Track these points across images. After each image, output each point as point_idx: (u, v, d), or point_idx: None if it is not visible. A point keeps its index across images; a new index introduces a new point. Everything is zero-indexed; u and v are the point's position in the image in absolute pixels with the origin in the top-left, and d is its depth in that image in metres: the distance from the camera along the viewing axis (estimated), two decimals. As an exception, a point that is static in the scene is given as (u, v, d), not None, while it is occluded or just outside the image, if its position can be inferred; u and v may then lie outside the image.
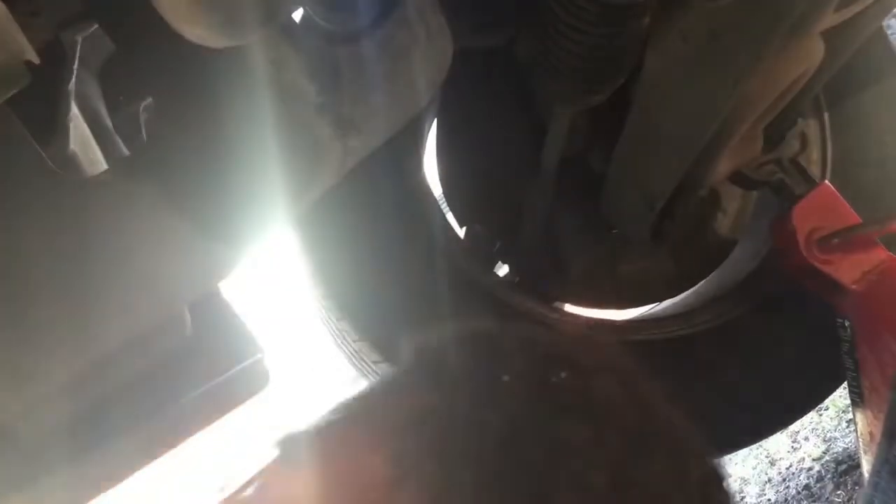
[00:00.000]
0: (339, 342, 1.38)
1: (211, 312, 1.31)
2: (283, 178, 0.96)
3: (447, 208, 1.57)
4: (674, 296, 1.66)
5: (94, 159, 1.17)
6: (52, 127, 1.03)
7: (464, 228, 1.58)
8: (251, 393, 1.31)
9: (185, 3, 0.64)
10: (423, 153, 1.56)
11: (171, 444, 1.22)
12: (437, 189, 1.52)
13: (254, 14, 0.71)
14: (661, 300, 1.68)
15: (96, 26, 1.01)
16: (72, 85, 1.05)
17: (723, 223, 1.60)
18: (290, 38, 0.89)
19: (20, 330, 0.88)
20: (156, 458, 1.21)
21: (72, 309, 0.89)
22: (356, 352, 1.32)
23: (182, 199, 0.92)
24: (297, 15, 0.93)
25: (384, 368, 1.30)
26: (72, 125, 1.11)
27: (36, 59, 0.69)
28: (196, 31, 0.67)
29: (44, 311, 0.88)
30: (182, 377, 1.25)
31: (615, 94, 1.19)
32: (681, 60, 1.03)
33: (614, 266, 1.60)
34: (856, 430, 1.32)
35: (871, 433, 1.28)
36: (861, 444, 1.31)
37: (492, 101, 1.52)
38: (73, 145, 1.10)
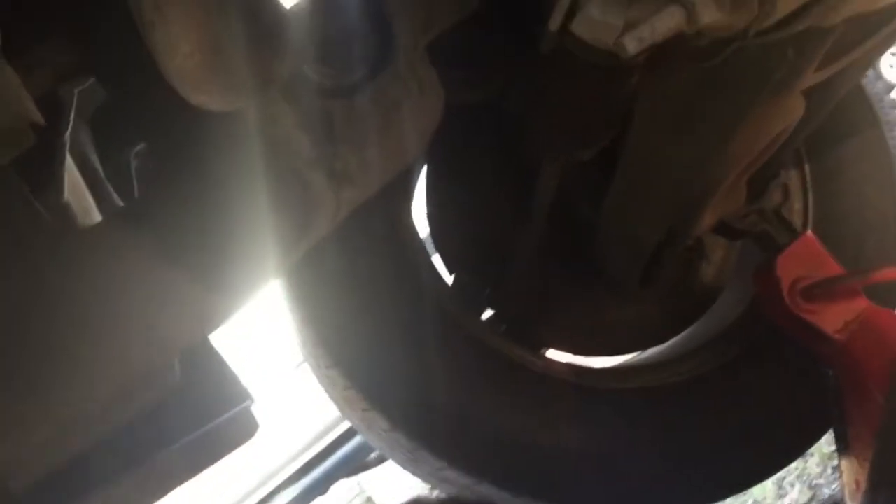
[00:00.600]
0: (329, 389, 1.38)
1: (199, 360, 1.30)
2: (277, 229, 0.97)
3: (435, 254, 1.58)
4: (660, 343, 1.67)
5: (87, 208, 1.18)
6: (47, 177, 1.04)
7: (452, 274, 1.59)
8: (239, 441, 1.30)
9: (191, 71, 0.66)
10: (412, 200, 1.58)
11: (159, 494, 1.21)
12: (425, 234, 1.54)
13: (254, 80, 0.73)
14: (647, 347, 1.70)
15: (93, 79, 1.02)
16: (66, 136, 1.06)
17: (707, 272, 1.62)
18: (283, 92, 0.91)
19: (11, 380, 0.88)
20: (142, 507, 1.20)
21: (63, 359, 0.89)
22: (345, 399, 1.32)
23: (176, 249, 0.93)
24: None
25: (372, 416, 1.30)
26: (66, 175, 1.11)
27: (41, 121, 0.70)
28: (201, 97, 0.69)
29: (35, 361, 0.88)
30: (169, 425, 1.24)
31: (605, 146, 1.22)
32: (668, 117, 1.06)
33: (601, 313, 1.62)
34: (841, 478, 1.32)
35: (856, 481, 1.29)
36: (847, 491, 1.31)
37: (481, 150, 1.54)
38: (67, 195, 1.11)
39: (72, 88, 1.02)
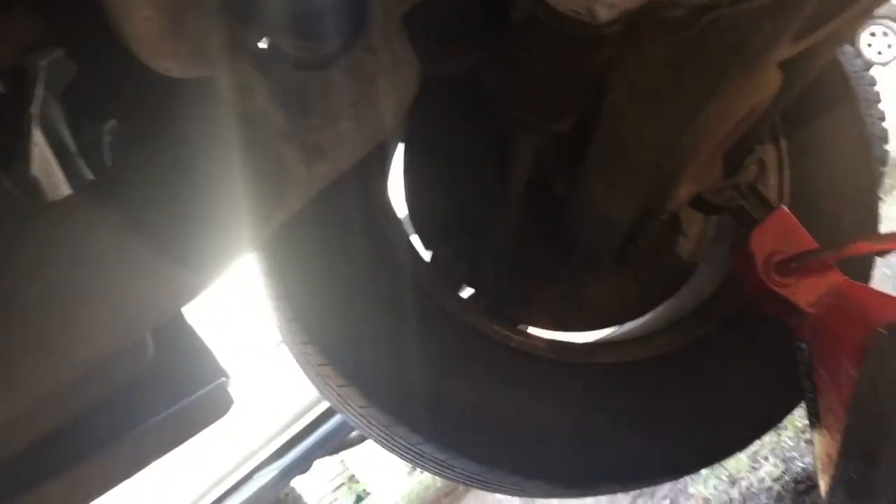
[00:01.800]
0: (305, 365, 1.37)
1: (173, 336, 1.30)
2: (249, 203, 0.96)
3: (413, 231, 1.57)
4: (636, 318, 1.68)
5: (56, 183, 1.16)
6: (13, 151, 1.02)
7: (429, 252, 1.59)
8: (214, 418, 1.30)
9: (151, 36, 0.64)
10: (389, 176, 1.57)
11: (133, 470, 1.21)
12: (402, 212, 1.53)
13: (220, 45, 0.71)
14: (623, 323, 1.71)
15: (60, 50, 1.00)
16: (34, 109, 1.05)
17: (684, 247, 1.63)
18: (256, 64, 0.90)
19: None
20: (117, 483, 1.20)
21: (33, 334, 0.88)
22: (321, 375, 1.32)
23: (147, 224, 0.92)
24: (264, 41, 0.94)
25: (348, 392, 1.30)
26: (34, 149, 1.09)
27: (2, 89, 0.68)
28: (163, 63, 0.68)
29: (3, 337, 0.87)
30: (144, 402, 1.23)
31: (580, 121, 1.21)
32: (642, 90, 1.05)
33: (578, 289, 1.62)
34: (813, 451, 1.34)
35: (828, 454, 1.30)
36: (819, 464, 1.33)
37: (458, 125, 1.53)
38: (35, 169, 1.09)
39: (37, 61, 1.00)
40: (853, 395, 1.21)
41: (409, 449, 1.34)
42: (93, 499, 1.19)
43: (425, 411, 1.28)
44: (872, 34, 9.05)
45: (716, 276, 1.58)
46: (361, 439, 4.85)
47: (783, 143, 1.53)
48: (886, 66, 8.83)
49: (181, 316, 1.32)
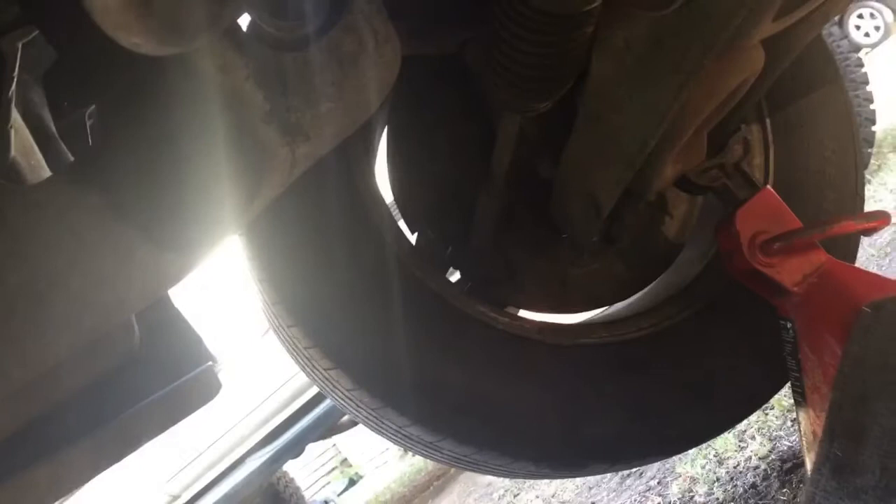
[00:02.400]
0: (291, 349, 1.37)
1: (160, 321, 1.30)
2: (231, 186, 0.95)
3: (398, 214, 1.57)
4: (623, 299, 1.68)
5: (36, 166, 1.15)
6: (-8, 134, 1.01)
7: (415, 234, 1.58)
8: (201, 402, 1.30)
9: (117, 9, 0.63)
10: (374, 158, 1.56)
11: (121, 454, 1.21)
12: (387, 194, 1.52)
13: (192, 21, 0.70)
14: (610, 303, 1.71)
15: (36, 32, 0.99)
16: (11, 92, 1.03)
17: (670, 227, 1.63)
18: (236, 45, 0.89)
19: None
20: (105, 468, 1.20)
21: (15, 319, 0.87)
22: (308, 358, 1.31)
23: (129, 207, 0.91)
24: (244, 21, 0.93)
25: (335, 375, 1.29)
26: (13, 132, 1.09)
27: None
28: (131, 38, 0.67)
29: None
30: (131, 386, 1.23)
31: (563, 100, 1.21)
32: (625, 67, 1.05)
33: (564, 270, 1.62)
34: (799, 429, 1.34)
35: (813, 432, 1.31)
36: (804, 442, 1.33)
37: (442, 106, 1.53)
38: (14, 152, 1.08)
39: (15, 42, 0.99)
40: (838, 374, 1.22)
41: (398, 431, 1.34)
42: (82, 483, 1.19)
43: (412, 393, 1.28)
44: (860, 16, 9.06)
45: (701, 257, 1.58)
46: (353, 423, 4.86)
47: (768, 122, 1.53)
48: (874, 49, 8.84)
49: (168, 300, 1.31)
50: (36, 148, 1.17)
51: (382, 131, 1.58)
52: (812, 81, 1.57)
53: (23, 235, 0.88)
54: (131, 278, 0.95)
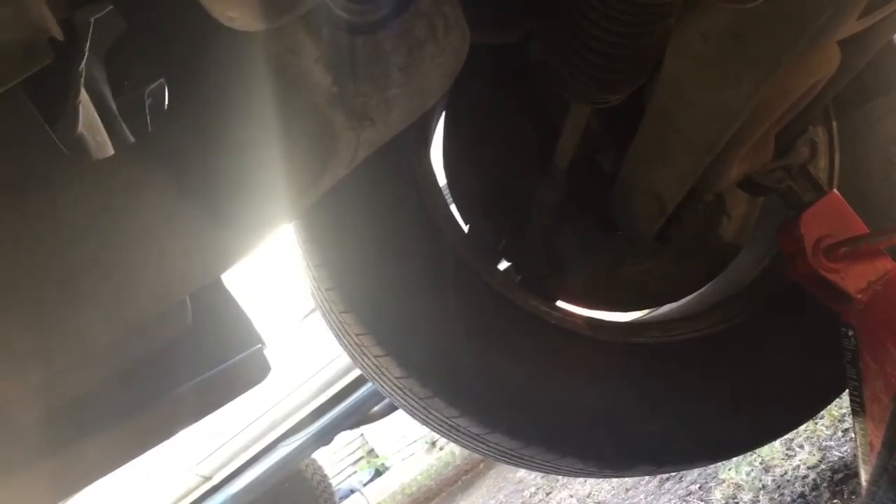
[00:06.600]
0: (341, 334, 1.36)
1: (212, 302, 1.30)
2: (294, 168, 0.94)
3: (451, 201, 1.56)
4: (676, 299, 1.66)
5: (101, 142, 1.16)
6: (61, 108, 1.02)
7: (468, 223, 1.57)
8: (250, 383, 1.30)
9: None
10: (430, 145, 1.55)
11: (169, 433, 1.22)
12: (442, 181, 1.51)
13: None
14: (663, 303, 1.68)
15: (110, 7, 0.99)
16: (82, 66, 1.04)
17: (728, 228, 1.60)
18: (307, 26, 0.88)
19: (23, 312, 0.87)
20: (152, 446, 1.20)
21: (81, 293, 0.88)
22: (358, 345, 1.31)
23: (192, 186, 0.91)
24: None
25: (385, 363, 1.29)
26: (80, 107, 1.09)
27: (60, 36, 0.67)
28: (230, 12, 0.66)
29: (47, 294, 0.87)
30: (181, 366, 1.24)
31: (629, 94, 1.18)
32: (701, 61, 1.02)
33: (618, 267, 1.60)
34: (855, 440, 1.31)
35: (870, 443, 1.28)
36: (860, 453, 1.30)
37: (501, 96, 1.51)
38: (82, 127, 1.09)
39: (88, 16, 0.99)
40: (900, 384, 1.19)
41: (445, 422, 1.33)
42: (127, 460, 1.20)
43: (462, 385, 1.27)
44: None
45: (760, 260, 1.55)
46: (383, 414, 4.88)
47: (835, 125, 1.50)
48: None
49: (220, 282, 1.32)
50: (101, 124, 1.18)
51: (440, 118, 1.57)
52: (880, 85, 1.53)
53: (90, 209, 0.88)
54: (192, 256, 0.95)
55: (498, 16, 1.21)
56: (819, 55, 1.04)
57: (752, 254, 1.58)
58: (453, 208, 1.54)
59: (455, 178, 1.56)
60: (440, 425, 1.37)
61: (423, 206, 1.33)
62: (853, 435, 1.35)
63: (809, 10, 0.86)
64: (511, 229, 1.53)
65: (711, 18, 0.97)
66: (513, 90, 1.51)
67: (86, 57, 1.02)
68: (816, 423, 1.83)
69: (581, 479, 2.87)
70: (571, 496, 2.84)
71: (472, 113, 1.52)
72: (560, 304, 1.56)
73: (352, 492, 9.13)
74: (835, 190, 1.34)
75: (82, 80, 1.04)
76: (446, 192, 1.53)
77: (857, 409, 1.32)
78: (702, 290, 1.63)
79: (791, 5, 0.87)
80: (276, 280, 4.47)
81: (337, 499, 6.25)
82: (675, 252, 1.60)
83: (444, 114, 1.55)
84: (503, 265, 1.62)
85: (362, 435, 11.60)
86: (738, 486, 1.79)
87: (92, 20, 1.00)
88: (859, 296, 1.28)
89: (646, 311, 1.74)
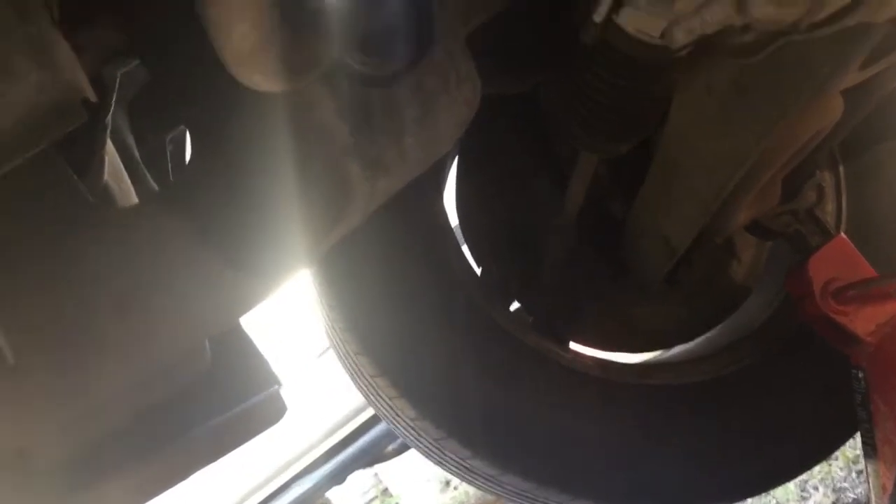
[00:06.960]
0: (356, 375, 1.39)
1: (228, 343, 1.32)
2: (310, 216, 0.97)
3: (464, 244, 1.58)
4: (686, 342, 1.67)
5: (125, 190, 1.19)
6: (89, 159, 1.05)
7: (480, 266, 1.59)
8: (267, 425, 1.31)
9: (248, 52, 0.66)
10: (443, 190, 1.58)
11: (185, 474, 1.23)
12: (455, 225, 1.54)
13: (304, 62, 0.73)
14: (673, 346, 1.70)
15: (137, 62, 1.03)
16: (108, 119, 1.08)
17: (737, 271, 1.62)
18: (323, 79, 0.91)
19: (46, 355, 0.89)
20: (168, 488, 1.21)
21: (98, 336, 0.90)
22: (373, 386, 1.33)
23: (213, 232, 0.94)
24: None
25: (400, 404, 1.31)
26: (106, 157, 1.13)
27: (94, 97, 0.71)
28: (254, 77, 0.69)
29: (70, 338, 0.89)
30: (198, 407, 1.25)
31: (637, 143, 1.21)
32: (706, 114, 1.05)
33: (628, 309, 1.62)
34: (868, 482, 1.32)
35: (883, 486, 1.28)
36: (874, 496, 1.31)
37: (513, 143, 1.54)
38: (107, 176, 1.12)
39: (115, 71, 1.03)
40: (911, 427, 1.19)
41: (459, 463, 1.34)
42: (148, 500, 1.21)
43: (477, 426, 1.28)
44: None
45: (769, 303, 1.56)
46: (397, 453, 4.85)
47: (841, 169, 1.52)
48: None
49: (238, 323, 1.34)
50: (125, 173, 1.22)
51: (452, 164, 1.60)
52: (886, 129, 1.55)
53: (115, 257, 0.91)
54: (212, 300, 0.97)
55: (509, 67, 1.24)
56: (822, 104, 1.07)
57: (761, 296, 1.60)
58: (465, 250, 1.56)
59: (468, 221, 1.59)
60: (454, 466, 1.39)
61: (437, 249, 1.35)
62: (866, 477, 1.35)
63: (812, 64, 0.89)
64: (523, 272, 1.56)
65: (716, 72, 1.00)
66: (525, 136, 1.54)
67: (111, 110, 1.06)
68: (831, 465, 1.82)
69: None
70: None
71: (484, 157, 1.55)
72: (572, 345, 1.58)
73: (365, 531, 9.03)
74: (842, 233, 1.36)
75: (108, 131, 1.08)
76: (459, 235, 1.56)
77: (870, 451, 1.32)
78: (712, 332, 1.64)
79: (794, 59, 0.90)
80: (292, 318, 4.48)
81: (350, 539, 6.19)
82: (684, 295, 1.61)
83: (457, 158, 1.58)
84: (514, 306, 1.64)
85: (376, 474, 11.49)
86: (753, 528, 1.78)
87: (118, 74, 1.04)
88: (868, 338, 1.29)
89: (657, 353, 1.74)
